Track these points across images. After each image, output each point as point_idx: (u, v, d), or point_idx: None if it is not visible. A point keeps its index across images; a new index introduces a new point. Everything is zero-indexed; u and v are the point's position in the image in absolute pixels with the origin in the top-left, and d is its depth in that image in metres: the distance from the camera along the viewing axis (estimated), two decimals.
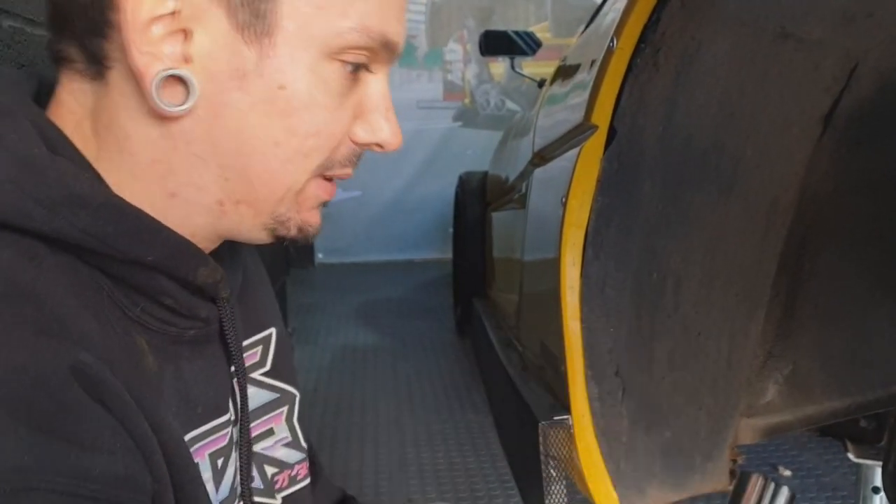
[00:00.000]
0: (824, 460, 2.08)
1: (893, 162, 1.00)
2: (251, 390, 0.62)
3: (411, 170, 5.11)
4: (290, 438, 0.67)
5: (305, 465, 0.69)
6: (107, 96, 0.48)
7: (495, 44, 2.83)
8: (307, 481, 0.69)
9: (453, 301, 3.58)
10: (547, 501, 1.09)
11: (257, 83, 0.48)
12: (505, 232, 2.27)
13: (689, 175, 1.00)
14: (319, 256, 5.27)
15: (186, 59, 0.46)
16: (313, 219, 0.55)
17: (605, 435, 1.06)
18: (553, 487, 1.09)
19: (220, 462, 0.56)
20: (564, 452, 1.07)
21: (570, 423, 1.05)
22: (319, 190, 0.54)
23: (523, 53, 2.82)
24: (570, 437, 1.05)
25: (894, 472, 0.87)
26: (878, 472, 1.22)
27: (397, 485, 2.09)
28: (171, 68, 0.46)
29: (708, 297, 1.07)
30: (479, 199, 3.10)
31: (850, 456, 1.21)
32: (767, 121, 0.97)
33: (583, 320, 1.02)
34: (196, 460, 0.52)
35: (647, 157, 0.97)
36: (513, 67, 2.97)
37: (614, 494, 1.06)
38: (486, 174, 3.11)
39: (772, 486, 0.94)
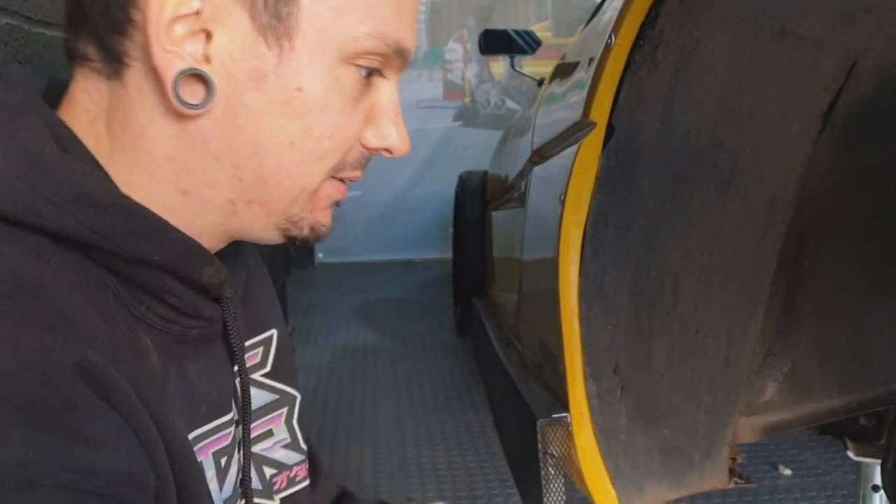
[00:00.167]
0: (824, 459, 2.08)
1: (893, 159, 1.00)
2: (251, 391, 0.62)
3: (411, 169, 5.11)
4: (289, 440, 0.67)
5: (304, 466, 0.69)
6: (123, 94, 0.49)
7: (495, 42, 2.82)
8: (306, 483, 0.69)
9: (453, 301, 3.58)
10: (545, 499, 1.09)
11: (275, 84, 0.48)
12: (504, 231, 2.27)
13: (688, 172, 0.99)
14: (320, 256, 5.27)
15: (207, 59, 0.47)
16: (325, 219, 0.56)
17: (603, 433, 1.05)
18: (552, 485, 1.09)
19: (223, 461, 0.56)
20: (563, 450, 1.07)
21: (569, 421, 1.04)
22: (333, 189, 0.55)
23: (523, 52, 2.82)
24: (569, 435, 1.05)
25: (894, 469, 0.87)
26: (878, 470, 1.22)
27: (397, 484, 2.09)
28: (191, 67, 0.46)
29: (707, 294, 1.07)
30: (479, 199, 3.09)
31: (850, 454, 1.21)
32: (766, 118, 0.97)
33: (581, 318, 1.02)
34: (200, 459, 0.53)
35: (645, 155, 0.97)
36: (513, 66, 2.97)
37: (613, 492, 1.06)
38: (486, 173, 3.11)
39: None
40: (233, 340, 0.57)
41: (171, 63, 0.46)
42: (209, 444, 0.55)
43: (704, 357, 1.10)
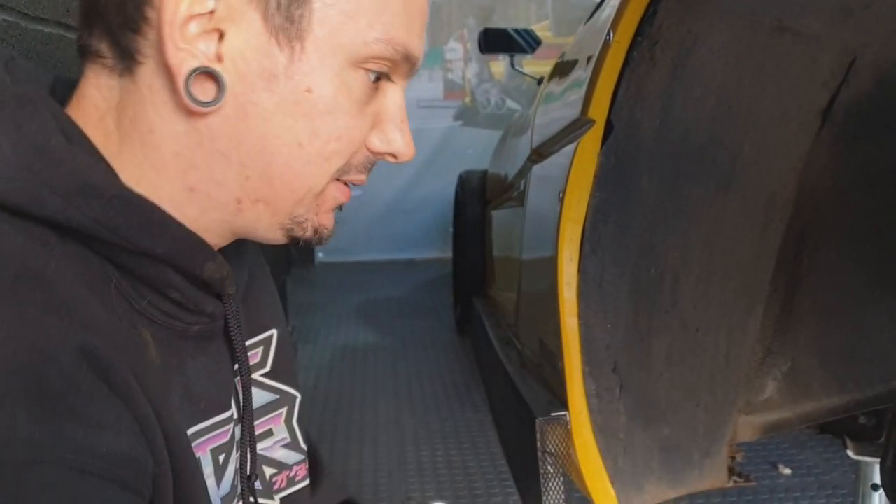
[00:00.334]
0: (824, 458, 2.08)
1: (892, 156, 1.00)
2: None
3: (411, 169, 5.11)
4: (288, 439, 0.68)
5: (304, 466, 0.69)
6: (134, 91, 0.49)
7: (495, 41, 2.83)
8: (305, 482, 0.69)
9: (453, 300, 3.58)
10: (544, 498, 1.09)
11: (286, 85, 0.49)
12: (504, 230, 2.27)
13: (687, 169, 0.99)
14: (320, 256, 5.27)
15: (219, 58, 0.48)
16: (328, 221, 0.56)
17: (602, 431, 1.05)
18: (551, 484, 1.09)
19: (221, 458, 0.56)
20: (562, 449, 1.07)
21: (568, 419, 1.04)
22: (337, 192, 0.55)
23: (523, 51, 2.82)
24: (568, 434, 1.05)
25: (893, 468, 0.87)
26: (878, 468, 1.21)
27: (396, 483, 2.09)
28: (204, 65, 0.47)
29: (706, 292, 1.07)
30: (479, 198, 3.09)
31: (850, 453, 1.21)
32: (765, 115, 0.97)
33: (580, 316, 1.02)
34: (198, 455, 0.53)
35: (644, 152, 0.97)
36: (512, 65, 2.98)
37: (612, 491, 1.06)
38: (485, 173, 3.11)
39: None
40: (234, 337, 0.57)
41: (184, 61, 0.47)
42: (207, 440, 0.55)
43: (704, 355, 1.10)
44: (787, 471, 2.03)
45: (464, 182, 3.36)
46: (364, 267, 5.12)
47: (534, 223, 1.42)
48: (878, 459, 1.15)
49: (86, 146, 0.49)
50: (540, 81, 2.35)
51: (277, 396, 0.67)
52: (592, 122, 0.96)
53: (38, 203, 0.44)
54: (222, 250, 0.56)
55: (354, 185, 0.57)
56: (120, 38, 0.48)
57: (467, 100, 5.35)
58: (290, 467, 0.67)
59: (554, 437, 1.07)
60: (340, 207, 0.58)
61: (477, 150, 4.86)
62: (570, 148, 1.04)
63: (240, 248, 0.61)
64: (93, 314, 0.43)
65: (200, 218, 0.52)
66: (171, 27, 0.46)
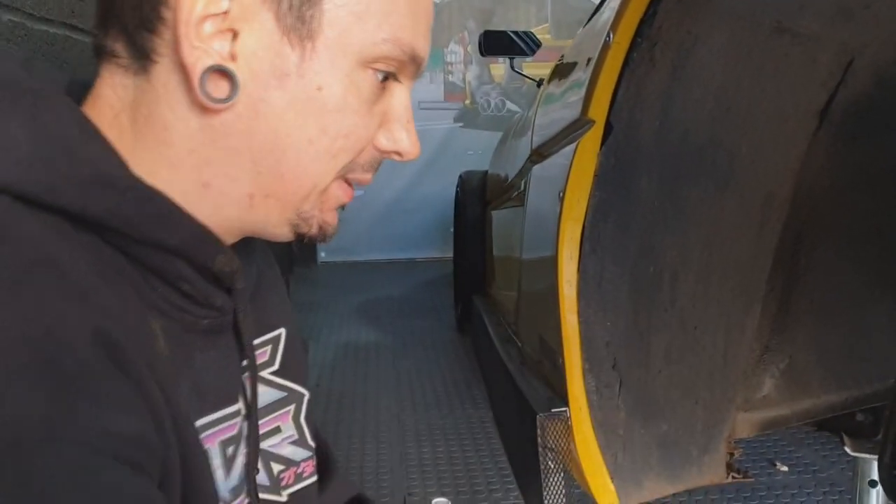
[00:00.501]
0: (821, 456, 2.09)
1: (890, 157, 1.00)
2: (259, 388, 0.63)
3: (412, 170, 5.11)
4: (296, 436, 0.68)
5: (312, 462, 0.70)
6: (149, 90, 0.50)
7: (495, 44, 2.84)
8: (313, 479, 0.70)
9: (454, 299, 3.59)
10: (545, 494, 1.10)
11: (297, 83, 0.50)
12: (504, 229, 2.27)
13: (686, 170, 1.00)
14: (322, 255, 5.28)
15: (233, 57, 0.49)
16: (332, 219, 0.58)
17: (602, 427, 1.06)
18: (551, 479, 1.09)
19: (230, 450, 0.57)
20: (562, 444, 1.07)
21: (568, 415, 1.05)
22: (340, 191, 0.57)
23: (523, 54, 2.83)
24: (568, 430, 1.06)
25: (891, 465, 0.88)
26: (875, 465, 1.22)
27: (398, 480, 2.10)
28: (218, 63, 0.49)
29: (704, 291, 1.08)
30: (479, 199, 3.10)
31: (847, 450, 1.22)
32: (763, 115, 0.98)
33: (580, 314, 1.03)
34: (206, 446, 0.54)
35: (643, 152, 0.98)
36: (512, 67, 2.98)
37: (611, 486, 1.07)
38: (485, 173, 3.12)
39: None
40: (242, 330, 0.58)
41: (199, 59, 0.48)
42: (216, 432, 0.56)
43: (702, 353, 1.11)
44: (785, 468, 2.03)
45: (464, 183, 3.37)
46: (365, 266, 5.13)
47: (534, 222, 1.43)
48: (876, 456, 1.16)
49: (100, 140, 0.50)
50: (539, 83, 2.36)
51: (285, 394, 0.67)
52: (592, 122, 0.97)
53: (54, 193, 0.45)
54: (231, 248, 0.57)
55: (360, 184, 0.58)
56: (136, 37, 0.50)
57: (467, 102, 5.36)
58: (297, 464, 0.68)
59: (554, 432, 1.08)
60: (343, 207, 0.59)
61: (477, 152, 4.88)
62: (570, 148, 1.05)
63: (248, 247, 0.62)
64: (105, 301, 0.44)
65: (213, 214, 0.53)
66: (187, 27, 0.48)
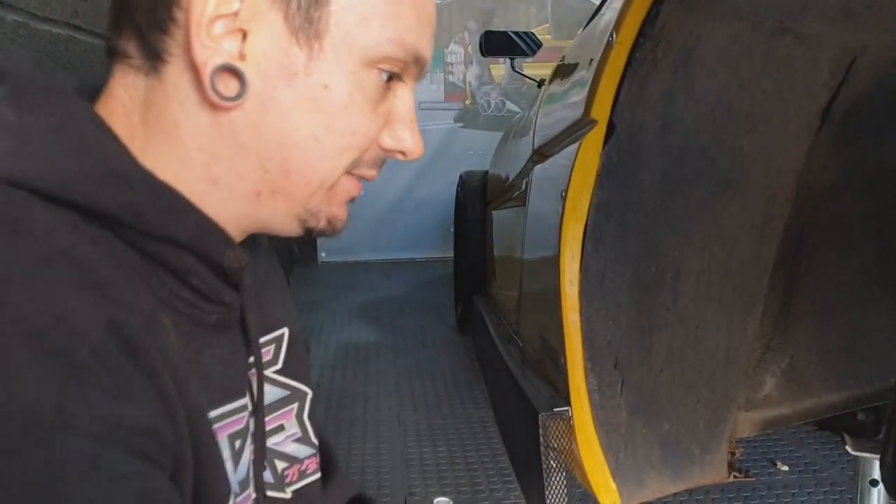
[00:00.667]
0: (821, 455, 2.09)
1: (891, 157, 1.01)
2: (264, 386, 0.63)
3: (413, 170, 5.12)
4: (300, 434, 0.69)
5: (315, 460, 0.71)
6: (160, 89, 0.52)
7: (496, 44, 2.84)
8: (317, 475, 0.71)
9: (454, 298, 3.59)
10: (547, 493, 1.10)
11: (304, 82, 0.52)
12: (505, 229, 2.28)
13: (688, 169, 1.00)
14: (322, 255, 5.28)
15: (242, 56, 0.50)
16: (341, 213, 0.59)
17: (604, 426, 1.06)
18: (553, 479, 1.10)
19: (237, 443, 0.58)
20: (564, 444, 1.08)
21: (570, 414, 1.05)
22: (350, 185, 0.58)
23: (523, 54, 2.84)
24: (570, 429, 1.06)
25: (892, 463, 0.88)
26: (876, 464, 1.23)
27: (399, 479, 2.10)
28: (228, 62, 0.50)
29: (706, 290, 1.08)
30: (479, 199, 3.11)
31: (848, 449, 1.22)
32: (765, 115, 0.98)
33: (582, 313, 1.03)
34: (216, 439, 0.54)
35: (645, 152, 0.98)
36: (513, 68, 2.99)
37: (613, 486, 1.07)
38: (486, 174, 3.12)
39: None
40: (249, 326, 0.59)
41: (210, 58, 0.49)
42: (224, 425, 0.56)
43: (704, 352, 1.11)
44: (786, 467, 2.04)
45: (464, 183, 3.38)
46: (366, 266, 5.13)
47: (536, 222, 1.44)
48: (877, 456, 1.17)
49: (113, 138, 0.50)
50: (540, 84, 2.36)
51: (289, 392, 0.68)
52: (595, 122, 0.97)
53: (66, 187, 0.46)
54: (239, 245, 0.57)
55: (366, 180, 0.59)
56: (149, 38, 0.51)
57: (468, 102, 5.36)
58: (301, 461, 0.69)
59: (556, 432, 1.08)
60: (353, 200, 0.60)
61: (477, 152, 4.88)
62: (572, 148, 1.05)
63: (253, 245, 0.62)
64: (119, 293, 0.45)
65: (223, 209, 0.54)
66: (198, 27, 0.49)
